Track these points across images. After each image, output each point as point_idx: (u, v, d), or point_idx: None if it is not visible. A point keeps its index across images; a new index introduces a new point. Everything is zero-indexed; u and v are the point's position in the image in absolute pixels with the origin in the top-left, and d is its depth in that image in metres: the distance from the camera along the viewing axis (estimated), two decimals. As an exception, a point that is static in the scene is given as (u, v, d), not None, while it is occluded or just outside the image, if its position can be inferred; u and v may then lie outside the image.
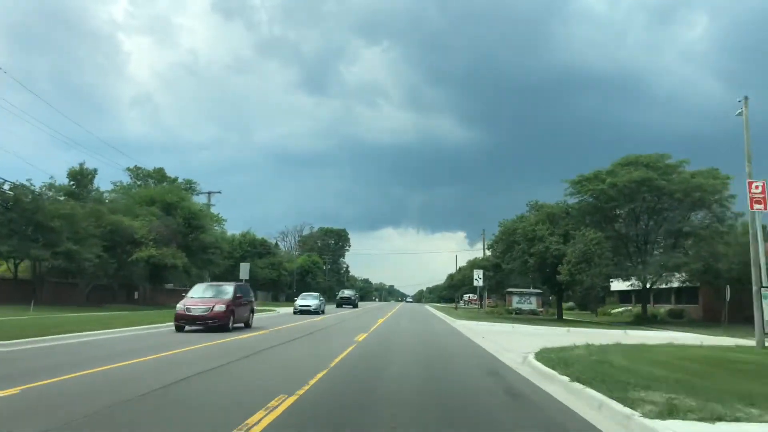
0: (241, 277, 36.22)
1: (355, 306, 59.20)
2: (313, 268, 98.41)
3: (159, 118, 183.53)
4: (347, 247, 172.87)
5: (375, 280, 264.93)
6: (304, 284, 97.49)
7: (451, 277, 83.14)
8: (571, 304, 67.04)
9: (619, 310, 49.60)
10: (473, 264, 38.18)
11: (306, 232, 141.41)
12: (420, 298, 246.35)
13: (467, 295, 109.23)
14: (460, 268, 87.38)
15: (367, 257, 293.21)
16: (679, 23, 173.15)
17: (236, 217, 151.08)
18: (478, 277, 34.49)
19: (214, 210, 72.88)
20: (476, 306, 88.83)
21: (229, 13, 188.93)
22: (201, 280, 54.38)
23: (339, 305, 57.32)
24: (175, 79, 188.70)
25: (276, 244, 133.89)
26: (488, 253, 59.32)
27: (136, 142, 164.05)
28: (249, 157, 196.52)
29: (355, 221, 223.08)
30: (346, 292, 65.12)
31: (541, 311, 47.58)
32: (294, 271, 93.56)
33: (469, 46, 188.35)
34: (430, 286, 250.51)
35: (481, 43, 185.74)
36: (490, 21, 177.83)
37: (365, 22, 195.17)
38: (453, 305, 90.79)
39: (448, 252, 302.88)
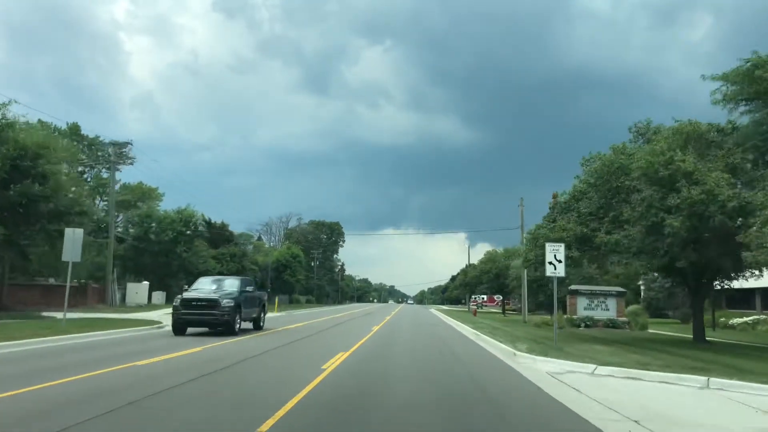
0: (64, 258, 17.94)
1: (231, 323, 17.68)
2: (293, 263, 79.64)
3: (160, 118, 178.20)
4: (341, 242, 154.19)
5: (375, 280, 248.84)
6: (281, 282, 78.89)
7: (464, 273, 64.58)
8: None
9: (744, 320, 30.88)
10: (538, 236, 19.64)
11: (293, 224, 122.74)
12: (422, 299, 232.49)
13: (479, 296, 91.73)
14: (473, 264, 68.49)
15: (368, 257, 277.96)
16: (682, 24, 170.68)
17: (238, 217, 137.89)
18: (555, 258, 15.93)
19: (146, 180, 53.97)
20: (496, 310, 70.31)
21: (231, 12, 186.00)
22: (53, 268, 34.99)
23: (179, 324, 17.60)
24: (176, 79, 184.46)
25: (260, 237, 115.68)
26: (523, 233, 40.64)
27: (137, 142, 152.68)
28: (250, 158, 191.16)
29: (355, 221, 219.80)
30: (205, 284, 20.06)
31: (627, 322, 28.92)
32: (269, 266, 74.95)
33: (471, 46, 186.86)
34: (432, 286, 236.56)
35: (484, 43, 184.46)
36: (493, 20, 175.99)
37: (367, 22, 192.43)
38: (465, 309, 72.32)
39: (462, 235, 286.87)
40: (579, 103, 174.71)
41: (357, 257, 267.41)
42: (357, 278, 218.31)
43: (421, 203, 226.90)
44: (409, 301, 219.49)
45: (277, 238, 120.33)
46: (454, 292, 65.22)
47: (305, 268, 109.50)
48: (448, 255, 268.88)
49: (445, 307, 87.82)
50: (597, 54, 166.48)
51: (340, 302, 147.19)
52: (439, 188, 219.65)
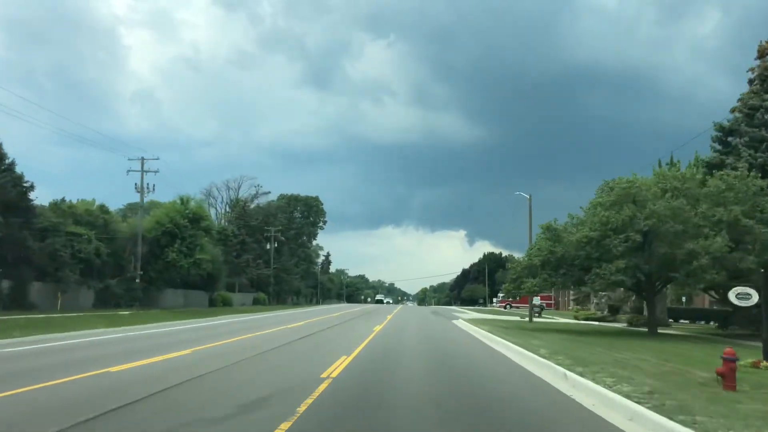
0: None
1: None
2: (188, 231, 41.44)
3: (160, 113, 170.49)
4: (321, 223, 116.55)
5: (373, 277, 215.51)
6: (163, 264, 41.51)
7: (518, 264, 25.82)
8: None
9: None
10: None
11: (246, 192, 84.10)
12: (423, 297, 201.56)
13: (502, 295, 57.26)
14: (545, 234, 28.89)
15: (368, 253, 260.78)
16: (690, 18, 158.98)
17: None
18: None
19: None
20: (565, 317, 33.13)
21: (231, 6, 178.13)
22: None
23: None
24: (177, 74, 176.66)
25: (210, 215, 78.11)
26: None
27: (138, 137, 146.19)
28: (251, 154, 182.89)
29: (357, 218, 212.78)
30: None
31: None
32: (138, 236, 37.68)
33: (476, 41, 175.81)
34: (434, 284, 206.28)
35: (489, 38, 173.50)
36: (499, 15, 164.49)
37: (371, 16, 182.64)
38: (510, 315, 35.25)
39: (462, 232, 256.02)
40: (586, 99, 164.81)
41: (357, 254, 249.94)
42: (348, 273, 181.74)
43: (422, 200, 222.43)
44: (408, 302, 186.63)
45: (221, 210, 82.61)
46: (513, 286, 26.38)
47: (253, 253, 72.20)
48: (450, 252, 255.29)
49: (475, 314, 50.26)
50: (604, 49, 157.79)
51: (318, 302, 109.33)
52: (440, 186, 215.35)
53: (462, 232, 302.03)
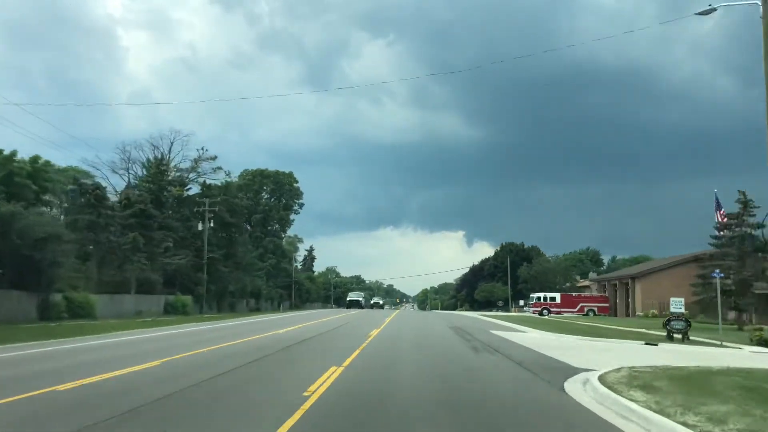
0: None
1: None
2: None
3: (157, 114, 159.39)
4: (296, 207, 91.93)
5: (372, 278, 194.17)
6: None
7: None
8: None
9: None
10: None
11: (179, 153, 58.80)
12: (424, 299, 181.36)
13: (542, 295, 35.98)
14: None
15: (367, 255, 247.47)
16: (690, 16, 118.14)
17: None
18: None
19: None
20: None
21: (229, 5, 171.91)
22: None
23: None
24: (174, 75, 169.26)
25: (131, 183, 53.59)
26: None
27: (134, 139, 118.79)
28: (249, 154, 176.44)
29: (355, 220, 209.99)
30: None
31: None
32: None
33: (476, 41, 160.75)
34: (435, 285, 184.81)
35: (488, 38, 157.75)
36: (497, 15, 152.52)
37: (370, 15, 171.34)
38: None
39: (461, 233, 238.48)
40: (586, 99, 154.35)
41: (355, 255, 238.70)
42: (339, 272, 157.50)
43: (420, 201, 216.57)
44: (408, 304, 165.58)
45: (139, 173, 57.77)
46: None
47: (174, 233, 47.80)
48: (450, 253, 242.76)
49: (534, 331, 26.12)
50: (605, 48, 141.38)
51: (292, 307, 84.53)
52: (439, 186, 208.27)
53: (461, 233, 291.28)
